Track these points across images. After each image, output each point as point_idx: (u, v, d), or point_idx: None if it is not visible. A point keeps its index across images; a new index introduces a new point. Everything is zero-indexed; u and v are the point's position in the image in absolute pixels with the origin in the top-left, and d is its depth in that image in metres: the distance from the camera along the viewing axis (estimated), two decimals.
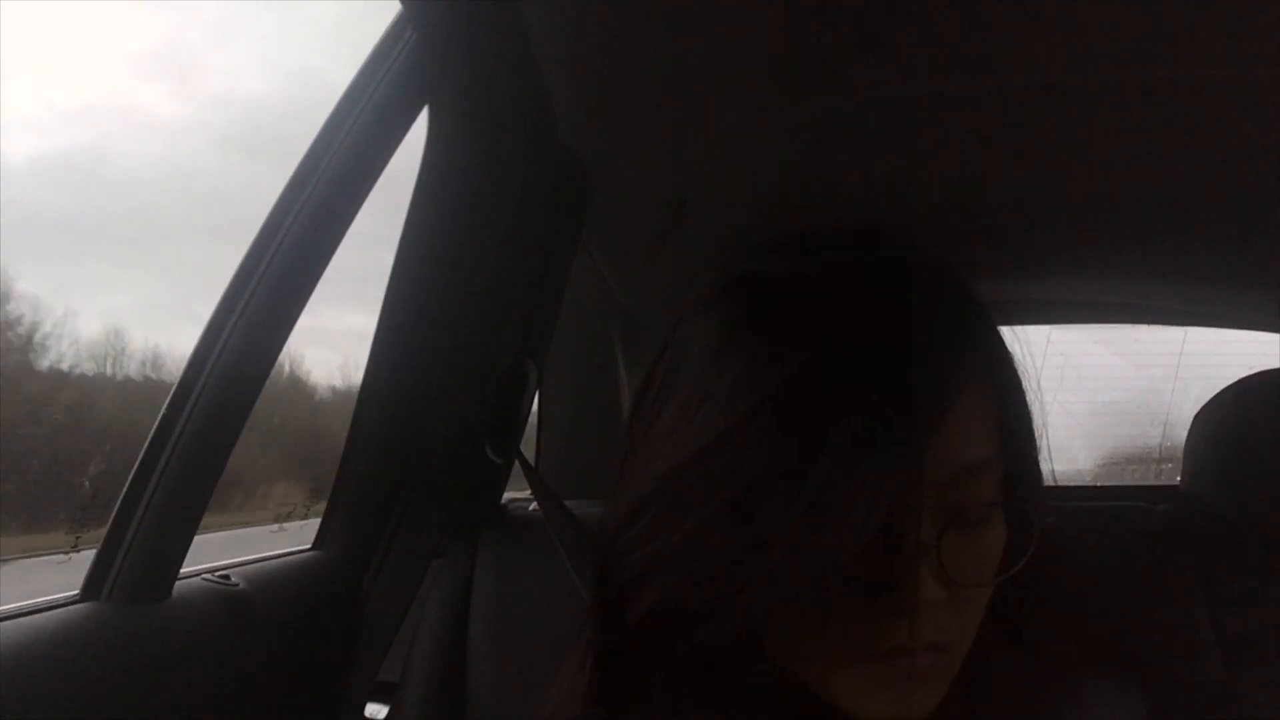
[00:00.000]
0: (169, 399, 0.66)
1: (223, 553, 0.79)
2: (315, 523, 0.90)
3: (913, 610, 0.42)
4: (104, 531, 0.64)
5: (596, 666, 0.48)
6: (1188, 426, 0.96)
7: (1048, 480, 0.52)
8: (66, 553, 1.07)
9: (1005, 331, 0.48)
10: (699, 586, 0.41)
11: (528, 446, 1.08)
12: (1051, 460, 0.52)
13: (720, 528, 0.40)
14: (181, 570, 0.67)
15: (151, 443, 0.64)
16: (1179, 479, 0.99)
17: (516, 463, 1.00)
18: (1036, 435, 0.51)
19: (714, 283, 0.48)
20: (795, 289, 0.44)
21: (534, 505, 1.08)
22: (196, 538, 0.67)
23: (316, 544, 0.87)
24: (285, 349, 0.72)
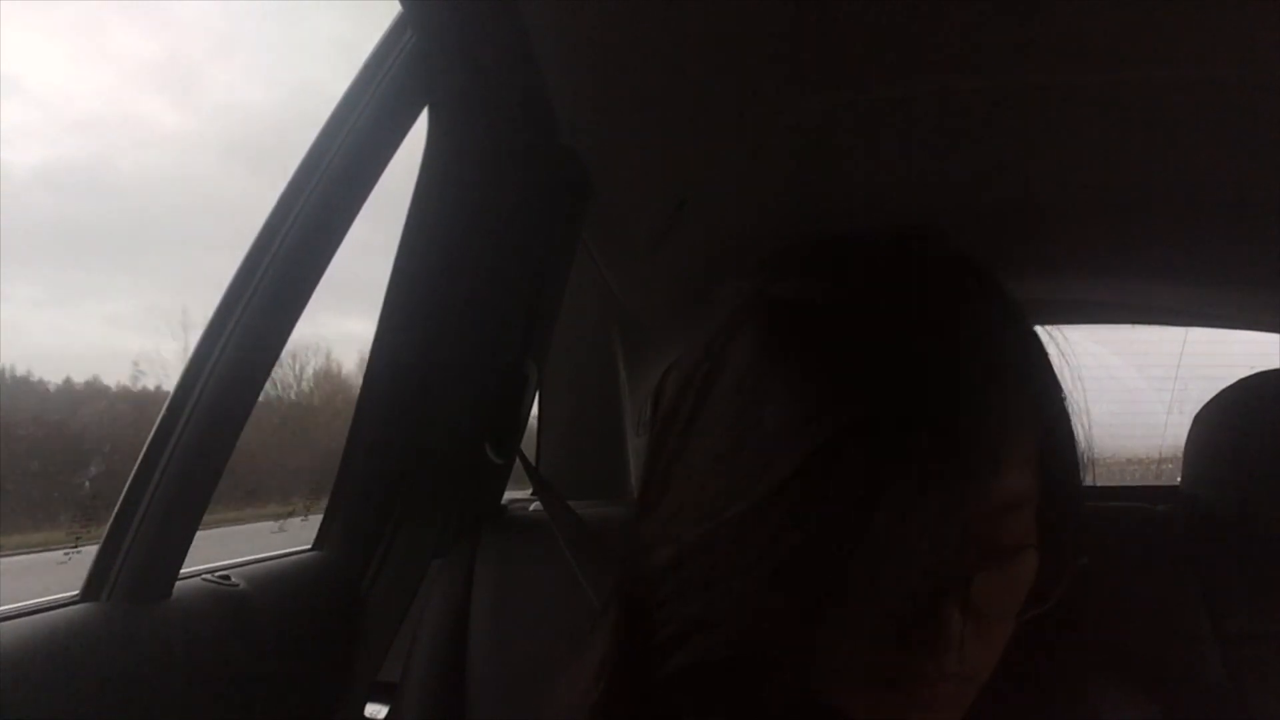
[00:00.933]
0: (169, 400, 0.66)
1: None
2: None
3: (938, 645, 0.41)
4: (104, 531, 0.64)
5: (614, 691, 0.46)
6: (1188, 426, 0.96)
7: None
8: None
9: (1048, 340, 0.46)
10: (749, 645, 0.40)
11: (528, 446, 1.08)
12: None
13: (766, 592, 0.38)
14: (181, 570, 0.67)
15: (152, 443, 0.65)
16: (1179, 479, 0.99)
17: (517, 463, 1.00)
18: (1081, 465, 0.48)
19: (744, 303, 0.44)
20: (834, 322, 0.41)
21: (534, 505, 1.08)
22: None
23: (316, 544, 0.87)
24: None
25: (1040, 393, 0.44)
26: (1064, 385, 0.47)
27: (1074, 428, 0.47)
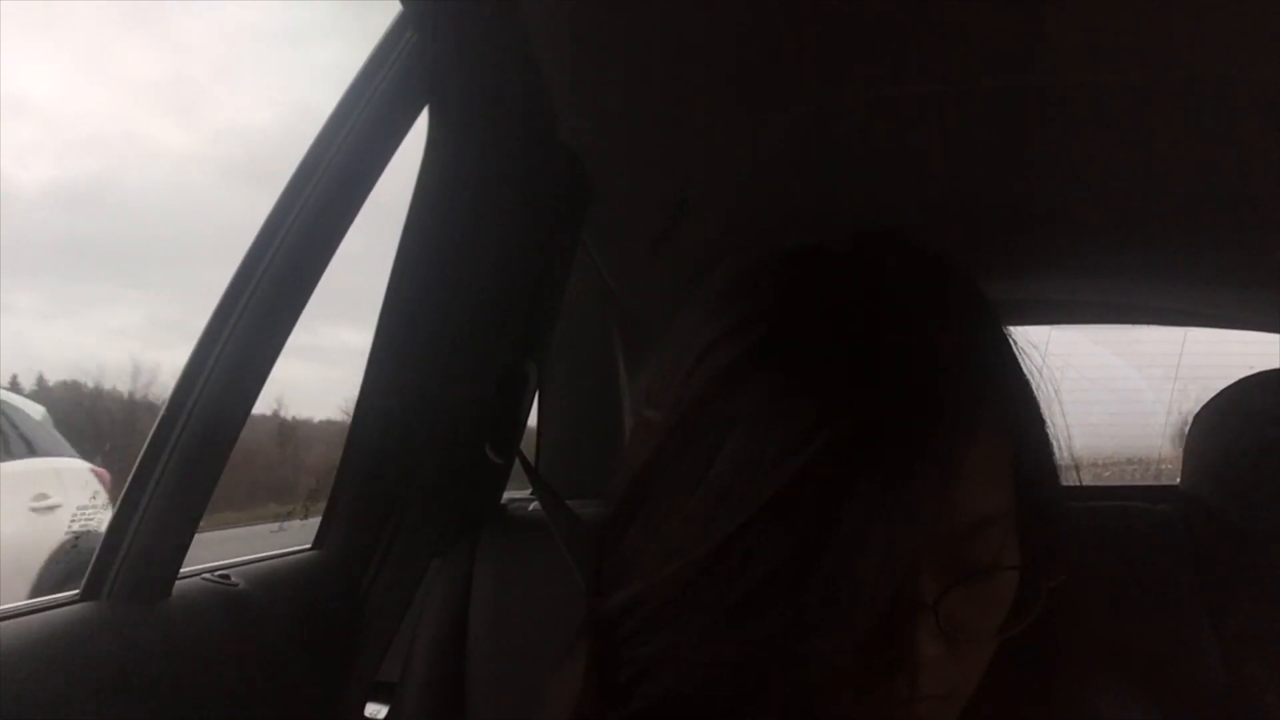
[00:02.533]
0: (169, 399, 0.66)
1: None
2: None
3: (909, 669, 0.40)
4: (103, 530, 0.64)
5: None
6: (1187, 427, 0.96)
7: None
8: None
9: (1021, 337, 0.44)
10: (707, 683, 0.40)
11: (528, 447, 1.08)
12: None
13: (729, 628, 0.38)
14: (181, 570, 0.67)
15: (151, 443, 0.65)
16: (1179, 480, 0.99)
17: (516, 463, 1.01)
18: (1060, 477, 0.47)
19: (698, 350, 0.43)
20: (786, 359, 0.40)
21: (534, 505, 1.08)
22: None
23: (316, 544, 0.87)
24: None
25: (1011, 405, 0.43)
26: (1042, 395, 0.45)
27: (1050, 439, 0.46)
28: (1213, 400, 0.92)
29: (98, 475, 2.67)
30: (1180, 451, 0.97)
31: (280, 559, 0.82)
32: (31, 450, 2.59)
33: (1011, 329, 0.46)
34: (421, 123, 0.78)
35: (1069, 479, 0.49)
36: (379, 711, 0.99)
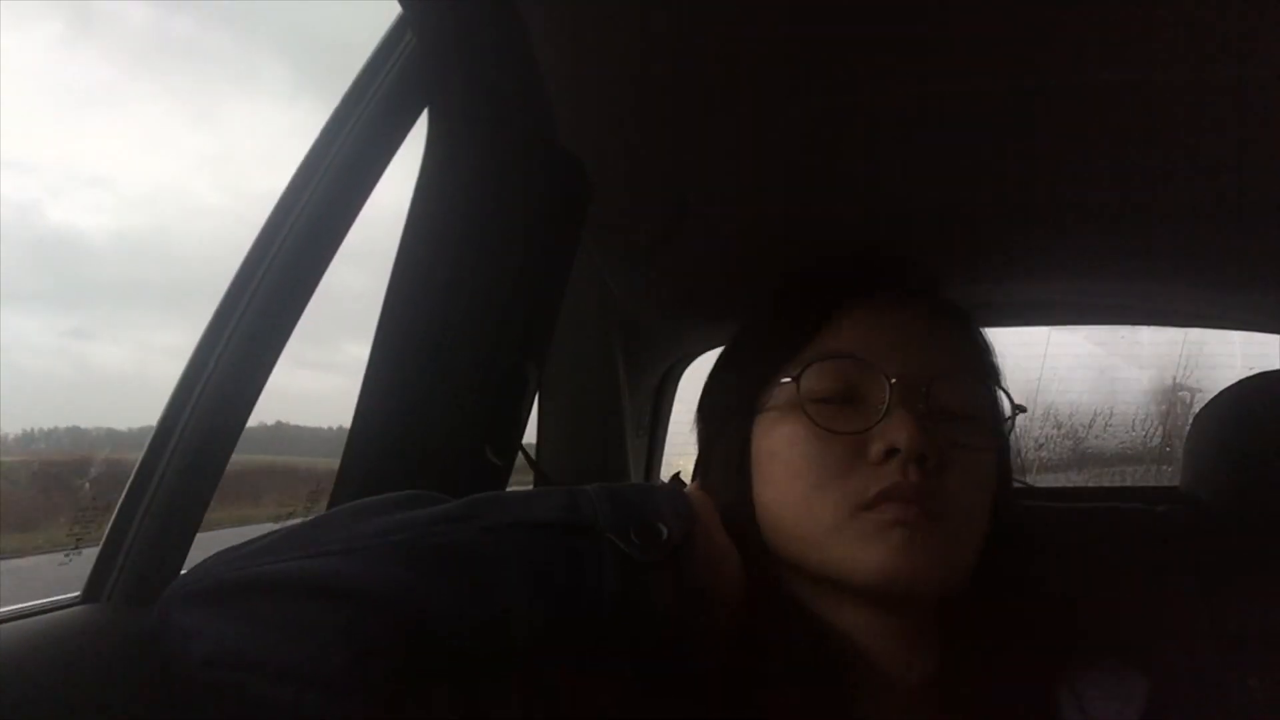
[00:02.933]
0: (169, 401, 0.66)
1: None
2: None
3: (900, 434, 0.50)
4: (105, 533, 0.64)
5: None
6: (1187, 428, 0.96)
7: (1043, 481, 0.54)
8: None
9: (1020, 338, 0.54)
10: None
11: (527, 447, 1.08)
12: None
13: None
14: (182, 572, 0.67)
15: (152, 445, 0.65)
16: (1179, 480, 0.99)
17: (516, 466, 1.00)
18: (1013, 463, 0.62)
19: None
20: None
21: None
22: None
23: None
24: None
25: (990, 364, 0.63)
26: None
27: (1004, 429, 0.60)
28: (1213, 401, 0.93)
29: None
30: (1179, 452, 0.97)
31: None
32: None
33: (1011, 330, 0.53)
34: (421, 124, 0.78)
35: (1073, 480, 0.53)
36: None
